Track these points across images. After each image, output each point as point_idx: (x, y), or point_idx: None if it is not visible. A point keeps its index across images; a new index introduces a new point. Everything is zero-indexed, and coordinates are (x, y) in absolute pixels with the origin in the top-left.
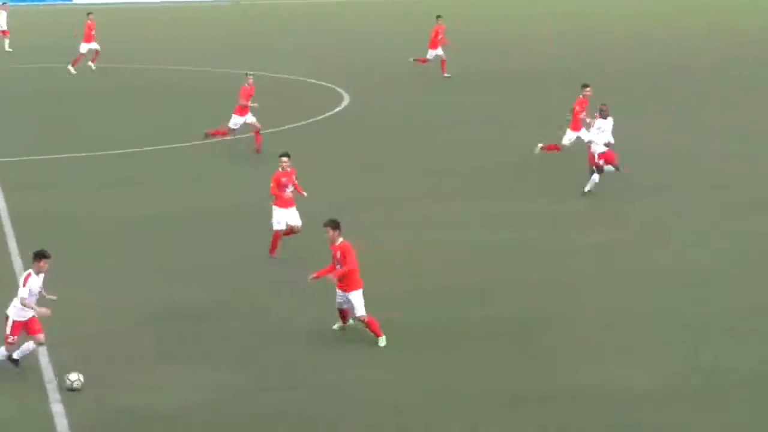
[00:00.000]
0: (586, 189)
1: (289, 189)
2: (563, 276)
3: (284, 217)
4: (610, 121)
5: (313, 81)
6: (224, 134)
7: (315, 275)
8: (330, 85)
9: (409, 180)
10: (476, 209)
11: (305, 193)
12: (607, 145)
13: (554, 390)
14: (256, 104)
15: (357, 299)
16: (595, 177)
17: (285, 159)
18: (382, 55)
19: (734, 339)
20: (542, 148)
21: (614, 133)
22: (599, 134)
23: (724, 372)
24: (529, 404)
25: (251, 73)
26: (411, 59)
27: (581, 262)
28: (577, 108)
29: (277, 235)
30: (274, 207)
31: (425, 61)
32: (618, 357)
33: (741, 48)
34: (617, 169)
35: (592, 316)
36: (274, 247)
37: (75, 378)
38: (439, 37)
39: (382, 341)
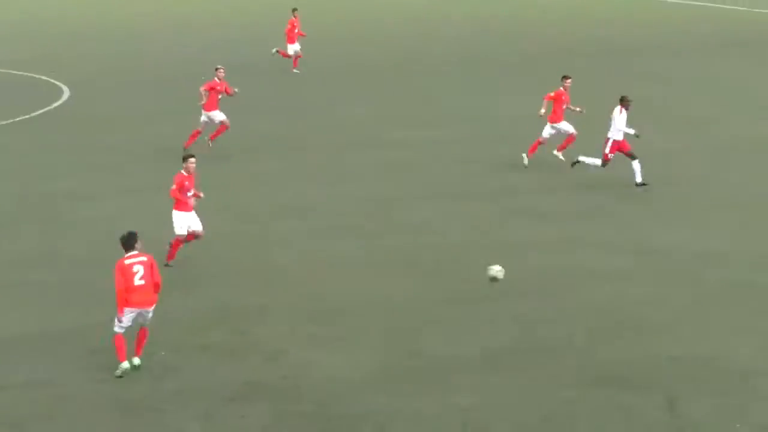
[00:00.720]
0: (638, 180)
1: (190, 193)
2: (276, 264)
3: (186, 222)
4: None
5: (30, 74)
6: (198, 134)
7: None
8: (50, 79)
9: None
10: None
11: (202, 195)
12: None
13: (276, 380)
14: (236, 89)
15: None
16: (635, 163)
17: (192, 160)
18: (110, 48)
19: (457, 325)
20: (528, 156)
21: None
22: (619, 125)
23: (446, 359)
24: (256, 395)
25: (221, 66)
26: (274, 50)
27: (299, 250)
28: (564, 98)
29: (179, 241)
30: (174, 212)
31: (286, 55)
32: (336, 344)
33: None
34: (604, 164)
35: (310, 305)
36: (172, 254)
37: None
38: (296, 30)
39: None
